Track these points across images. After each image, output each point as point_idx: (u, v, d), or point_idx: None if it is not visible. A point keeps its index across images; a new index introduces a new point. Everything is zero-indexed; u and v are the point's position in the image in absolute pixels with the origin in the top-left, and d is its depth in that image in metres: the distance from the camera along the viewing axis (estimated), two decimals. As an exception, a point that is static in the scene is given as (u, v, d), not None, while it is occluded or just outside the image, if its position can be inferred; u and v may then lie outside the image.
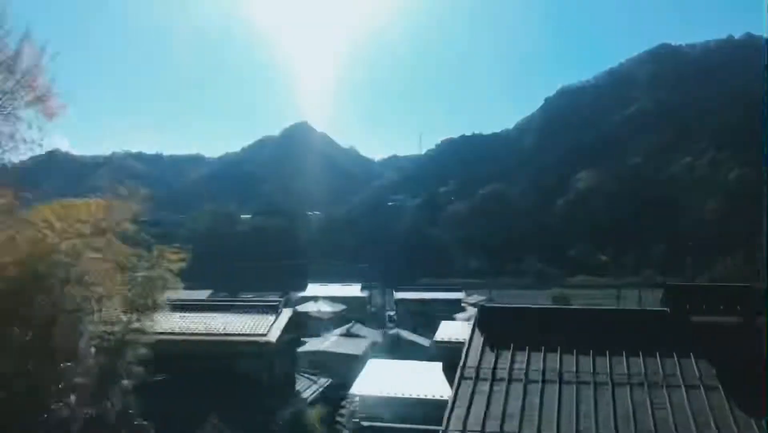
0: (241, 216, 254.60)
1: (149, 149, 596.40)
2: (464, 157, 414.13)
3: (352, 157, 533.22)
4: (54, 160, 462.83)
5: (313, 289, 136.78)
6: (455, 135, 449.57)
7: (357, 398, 36.50)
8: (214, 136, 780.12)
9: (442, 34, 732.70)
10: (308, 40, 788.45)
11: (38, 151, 25.44)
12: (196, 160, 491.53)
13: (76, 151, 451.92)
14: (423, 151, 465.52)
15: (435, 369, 39.28)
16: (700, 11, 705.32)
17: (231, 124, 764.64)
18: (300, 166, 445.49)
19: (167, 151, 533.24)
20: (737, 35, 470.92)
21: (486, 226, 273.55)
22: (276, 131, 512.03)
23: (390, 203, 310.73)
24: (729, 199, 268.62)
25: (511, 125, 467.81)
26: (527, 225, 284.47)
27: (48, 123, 23.93)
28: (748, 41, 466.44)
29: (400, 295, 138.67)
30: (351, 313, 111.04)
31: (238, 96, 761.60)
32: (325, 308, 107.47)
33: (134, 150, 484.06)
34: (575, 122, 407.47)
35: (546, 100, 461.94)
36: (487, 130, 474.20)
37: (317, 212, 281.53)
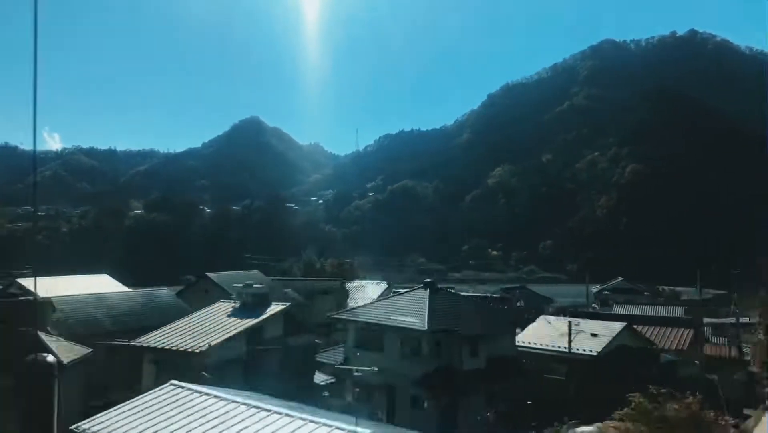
0: (131, 211, 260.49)
1: (109, 144, 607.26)
2: (399, 153, 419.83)
3: (307, 152, 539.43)
4: (1, 155, 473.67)
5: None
6: (402, 129, 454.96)
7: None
8: (175, 131, 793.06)
9: (394, 32, 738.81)
10: (270, 36, 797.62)
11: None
12: (148, 155, 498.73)
13: (26, 147, 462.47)
14: (361, 147, 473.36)
15: None
16: (648, 7, 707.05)
17: (190, 119, 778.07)
18: (243, 160, 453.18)
19: (123, 147, 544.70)
20: (681, 32, 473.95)
21: (383, 221, 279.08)
22: (228, 126, 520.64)
23: (291, 202, 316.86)
24: (621, 194, 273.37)
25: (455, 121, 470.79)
26: (427, 220, 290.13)
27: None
28: (690, 37, 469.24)
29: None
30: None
31: (201, 91, 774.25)
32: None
33: (87, 145, 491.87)
34: (510, 118, 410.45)
35: (488, 96, 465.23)
36: (431, 126, 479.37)
37: (206, 208, 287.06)
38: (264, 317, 36.25)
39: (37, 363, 11.74)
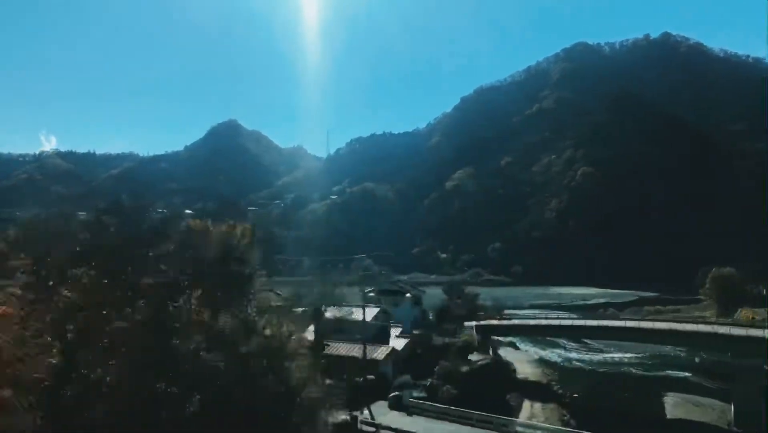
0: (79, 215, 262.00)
1: (90, 147, 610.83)
2: (369, 156, 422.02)
3: (287, 155, 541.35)
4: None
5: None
6: (373, 133, 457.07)
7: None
8: (161, 135, 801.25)
9: (379, 35, 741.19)
10: (255, 42, 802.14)
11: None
12: (127, 158, 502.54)
13: (3, 149, 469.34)
14: (332, 150, 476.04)
15: None
16: (623, 11, 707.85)
17: (176, 123, 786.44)
18: (218, 163, 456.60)
19: (105, 150, 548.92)
20: (655, 34, 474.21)
21: (337, 224, 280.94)
22: (205, 130, 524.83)
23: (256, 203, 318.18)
24: (571, 196, 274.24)
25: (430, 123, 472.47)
26: (382, 223, 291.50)
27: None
28: (663, 40, 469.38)
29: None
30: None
31: (186, 95, 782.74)
32: None
33: (65, 149, 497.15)
34: (480, 121, 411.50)
35: (461, 99, 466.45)
36: (405, 129, 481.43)
37: (163, 210, 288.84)
38: None
39: None
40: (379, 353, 42.39)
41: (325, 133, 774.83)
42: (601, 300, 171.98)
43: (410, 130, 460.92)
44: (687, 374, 66.84)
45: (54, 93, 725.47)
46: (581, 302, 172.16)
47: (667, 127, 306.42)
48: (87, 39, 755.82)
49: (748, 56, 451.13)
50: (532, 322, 70.64)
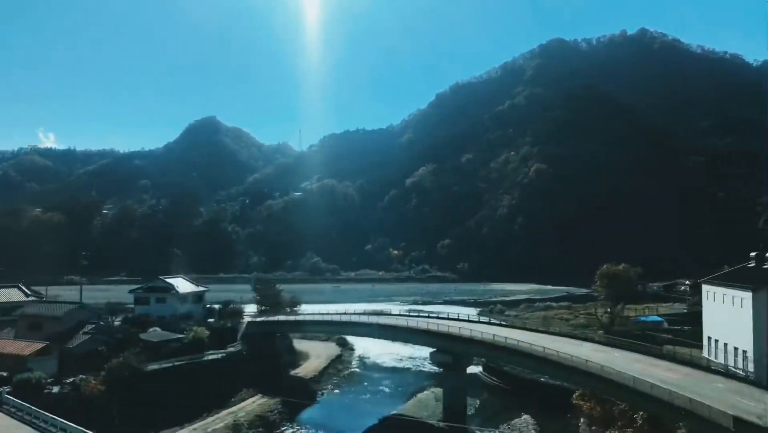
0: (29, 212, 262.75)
1: (76, 145, 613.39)
2: (341, 153, 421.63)
3: (268, 152, 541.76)
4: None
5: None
6: (347, 129, 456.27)
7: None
8: (142, 132, 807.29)
9: (366, 30, 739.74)
10: (243, 39, 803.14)
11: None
12: (107, 154, 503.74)
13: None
14: (305, 147, 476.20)
15: None
16: (605, 7, 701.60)
17: (160, 120, 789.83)
18: (193, 160, 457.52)
19: (87, 147, 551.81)
20: (632, 30, 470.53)
21: (291, 221, 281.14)
22: (182, 127, 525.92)
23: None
24: (522, 193, 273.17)
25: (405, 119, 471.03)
26: (337, 220, 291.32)
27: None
28: (640, 36, 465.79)
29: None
30: None
31: (173, 92, 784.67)
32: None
33: (44, 146, 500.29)
34: (453, 118, 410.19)
35: (437, 95, 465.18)
36: (379, 125, 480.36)
37: (108, 208, 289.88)
38: None
39: None
40: (27, 349, 42.46)
41: (311, 129, 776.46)
42: (523, 296, 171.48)
43: (384, 127, 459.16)
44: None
45: (38, 90, 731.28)
46: (501, 298, 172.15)
47: (628, 124, 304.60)
48: (75, 36, 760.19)
49: (726, 53, 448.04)
50: (293, 318, 70.84)
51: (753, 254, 55.63)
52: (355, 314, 70.47)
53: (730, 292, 50.30)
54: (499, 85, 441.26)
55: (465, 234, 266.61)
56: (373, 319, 63.45)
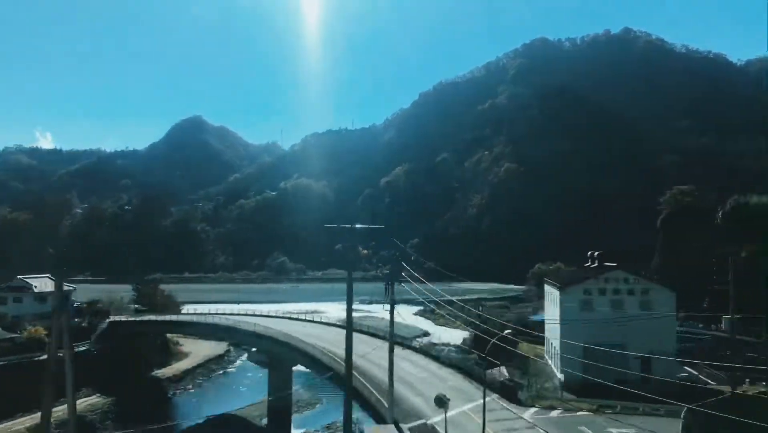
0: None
1: (74, 145, 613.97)
2: (322, 152, 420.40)
3: (254, 151, 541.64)
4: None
5: None
6: (329, 129, 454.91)
7: None
8: (132, 131, 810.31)
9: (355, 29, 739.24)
10: (234, 39, 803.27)
11: None
12: (92, 154, 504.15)
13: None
14: (287, 147, 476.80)
15: None
16: (591, 7, 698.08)
17: (147, 119, 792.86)
18: (176, 159, 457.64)
19: (68, 146, 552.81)
20: (615, 30, 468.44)
21: (261, 221, 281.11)
22: (168, 126, 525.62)
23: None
24: (492, 193, 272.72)
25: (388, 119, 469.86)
26: (308, 220, 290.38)
27: None
28: (623, 35, 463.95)
29: None
30: None
31: (162, 90, 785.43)
32: None
33: (28, 145, 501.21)
34: (434, 117, 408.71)
35: (420, 94, 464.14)
36: (366, 124, 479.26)
37: (81, 208, 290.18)
38: None
39: None
40: None
41: (303, 128, 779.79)
42: (475, 296, 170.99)
43: (368, 126, 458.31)
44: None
45: (28, 88, 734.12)
46: (452, 298, 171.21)
47: (604, 123, 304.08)
48: (69, 33, 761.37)
49: (710, 52, 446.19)
50: (154, 318, 70.72)
51: (593, 253, 55.41)
52: (239, 314, 70.43)
53: (551, 291, 50.14)
54: (483, 84, 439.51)
55: (433, 234, 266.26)
56: (215, 320, 63.21)
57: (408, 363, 44.52)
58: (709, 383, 43.79)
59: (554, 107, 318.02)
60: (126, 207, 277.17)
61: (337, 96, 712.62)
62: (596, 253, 54.05)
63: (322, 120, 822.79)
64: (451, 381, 39.97)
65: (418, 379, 40.35)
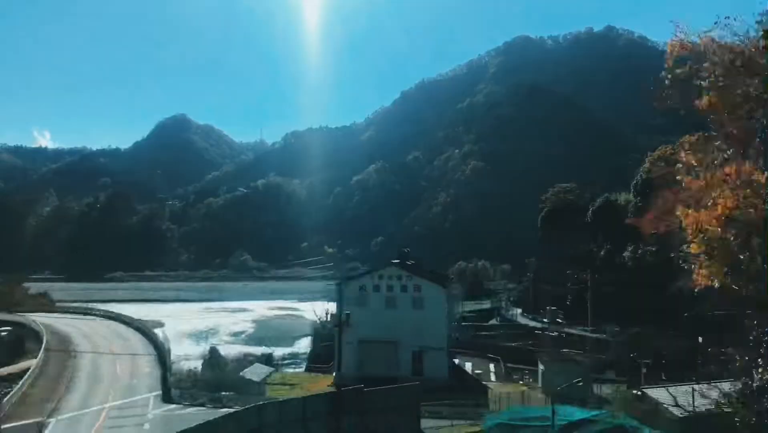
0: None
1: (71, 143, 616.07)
2: (302, 150, 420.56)
3: (238, 149, 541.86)
4: None
5: None
6: (310, 127, 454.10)
7: None
8: (120, 129, 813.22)
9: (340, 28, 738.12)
10: (226, 36, 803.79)
11: None
12: (76, 153, 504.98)
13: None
14: (270, 144, 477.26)
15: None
16: (576, 5, 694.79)
17: (136, 118, 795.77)
18: (159, 158, 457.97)
19: (61, 145, 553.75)
20: (598, 28, 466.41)
21: (227, 219, 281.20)
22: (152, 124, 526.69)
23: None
24: (458, 191, 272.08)
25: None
26: (276, 218, 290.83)
27: None
28: (606, 33, 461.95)
29: None
30: None
31: (152, 88, 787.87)
32: None
33: (12, 143, 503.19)
34: (416, 115, 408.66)
35: (402, 93, 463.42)
36: (349, 122, 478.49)
37: (52, 207, 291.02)
38: None
39: None
40: None
41: (287, 126, 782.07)
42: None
43: (348, 124, 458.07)
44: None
45: (19, 87, 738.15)
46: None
47: (576, 121, 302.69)
48: (69, 33, 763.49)
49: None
50: None
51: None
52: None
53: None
54: (464, 82, 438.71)
55: (398, 232, 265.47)
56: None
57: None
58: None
59: (524, 105, 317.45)
60: (97, 205, 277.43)
61: (323, 94, 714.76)
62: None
63: (307, 118, 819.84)
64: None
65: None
